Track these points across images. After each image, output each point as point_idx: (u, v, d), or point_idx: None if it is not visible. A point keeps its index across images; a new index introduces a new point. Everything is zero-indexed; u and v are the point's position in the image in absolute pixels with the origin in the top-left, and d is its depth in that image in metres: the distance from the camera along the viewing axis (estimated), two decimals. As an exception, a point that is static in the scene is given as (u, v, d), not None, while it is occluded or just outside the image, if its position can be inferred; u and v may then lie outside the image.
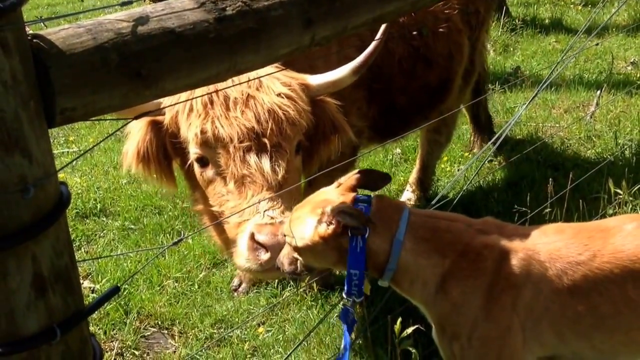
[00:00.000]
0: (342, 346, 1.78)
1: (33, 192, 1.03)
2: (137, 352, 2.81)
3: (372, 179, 1.74)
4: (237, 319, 2.95)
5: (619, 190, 3.01)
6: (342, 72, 2.32)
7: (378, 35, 2.27)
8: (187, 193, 3.52)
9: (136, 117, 1.41)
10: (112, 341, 2.85)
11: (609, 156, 3.90)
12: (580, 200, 3.02)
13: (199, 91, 1.95)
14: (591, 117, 4.47)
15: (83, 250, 3.50)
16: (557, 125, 4.49)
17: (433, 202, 2.59)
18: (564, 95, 4.94)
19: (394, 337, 2.26)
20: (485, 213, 3.45)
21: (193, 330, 2.90)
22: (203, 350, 2.76)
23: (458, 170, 4.04)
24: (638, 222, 1.66)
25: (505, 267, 1.62)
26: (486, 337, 1.62)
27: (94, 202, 3.89)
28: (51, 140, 1.11)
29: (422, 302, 1.72)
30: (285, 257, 1.80)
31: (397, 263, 1.65)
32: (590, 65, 5.44)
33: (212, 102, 2.16)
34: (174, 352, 2.81)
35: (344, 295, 1.70)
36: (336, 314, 2.89)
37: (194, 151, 2.23)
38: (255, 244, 2.05)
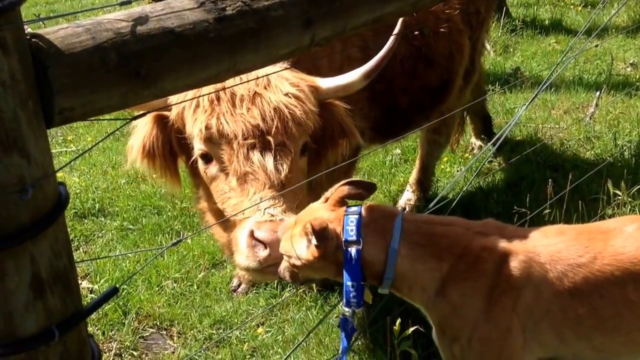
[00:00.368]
0: (340, 351, 1.78)
1: (31, 193, 1.03)
2: (135, 353, 2.80)
3: (358, 189, 1.73)
4: (236, 320, 2.94)
5: (618, 192, 3.01)
6: (352, 76, 2.30)
7: (389, 43, 2.23)
8: (187, 193, 3.53)
9: (135, 118, 1.40)
10: (110, 342, 2.85)
11: (608, 157, 3.90)
12: (580, 201, 3.02)
13: (206, 89, 1.94)
14: (590, 118, 4.47)
15: (81, 250, 3.49)
16: (557, 126, 4.49)
17: (432, 203, 2.59)
18: (564, 96, 4.94)
19: (393, 338, 2.26)
20: (484, 214, 3.45)
21: (192, 331, 2.89)
22: (202, 351, 2.75)
23: (458, 171, 4.04)
24: (639, 223, 1.66)
25: (505, 268, 1.62)
26: (486, 338, 1.62)
27: (92, 202, 3.89)
28: (49, 140, 1.11)
29: (422, 305, 1.72)
30: (286, 271, 1.81)
31: (395, 271, 1.65)
32: (590, 66, 5.44)
33: (218, 99, 2.16)
34: (173, 352, 2.80)
35: (343, 307, 1.70)
36: (335, 315, 2.88)
37: (198, 147, 2.23)
38: (254, 241, 2.04)
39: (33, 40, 1.04)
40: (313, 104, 2.25)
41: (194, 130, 2.19)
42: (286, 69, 2.21)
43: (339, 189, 1.73)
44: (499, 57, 5.76)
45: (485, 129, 4.38)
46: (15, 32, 0.99)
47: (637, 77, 5.18)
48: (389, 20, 1.73)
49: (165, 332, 2.92)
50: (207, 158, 2.24)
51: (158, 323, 2.95)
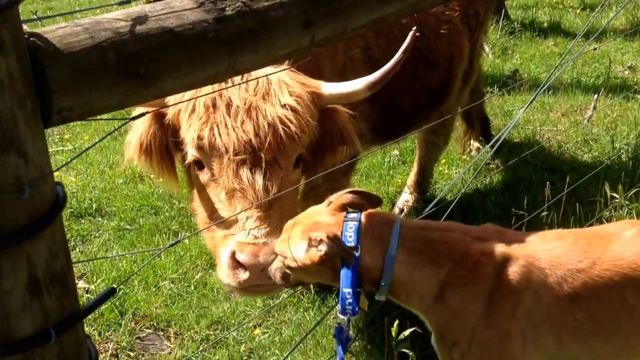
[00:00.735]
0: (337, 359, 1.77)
1: (28, 193, 1.02)
2: (132, 354, 2.79)
3: (363, 200, 1.73)
4: (233, 321, 2.94)
5: (615, 194, 3.01)
6: (357, 85, 2.25)
7: (397, 54, 2.19)
8: (184, 193, 3.52)
9: (134, 118, 1.40)
10: (106, 342, 2.84)
11: (605, 160, 3.91)
12: (577, 204, 3.02)
13: (205, 90, 1.92)
14: (588, 121, 4.48)
15: (78, 250, 3.48)
16: (555, 128, 4.49)
17: (431, 204, 2.58)
18: (562, 98, 4.94)
19: (391, 340, 2.26)
20: (482, 216, 3.45)
21: (189, 332, 2.88)
22: (199, 352, 2.75)
23: (456, 173, 4.04)
24: (637, 228, 1.66)
25: (505, 273, 1.62)
26: (486, 343, 1.62)
27: (89, 201, 3.87)
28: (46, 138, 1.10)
29: (420, 311, 1.72)
30: (277, 271, 1.79)
31: (392, 277, 1.64)
32: (588, 69, 5.45)
33: (214, 106, 2.13)
34: (170, 353, 2.79)
35: (339, 315, 1.70)
36: (333, 316, 2.88)
37: (191, 153, 2.22)
38: (235, 263, 2.04)
39: (31, 39, 1.03)
40: (312, 115, 2.21)
41: (187, 136, 2.18)
42: (288, 68, 2.19)
43: (343, 196, 1.72)
44: (498, 59, 5.77)
45: (483, 131, 4.38)
46: (13, 31, 0.98)
47: (635, 80, 5.19)
48: (389, 21, 1.73)
49: (162, 333, 2.91)
50: (199, 164, 2.22)
51: (155, 323, 2.94)
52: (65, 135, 4.80)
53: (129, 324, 2.91)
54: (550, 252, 1.65)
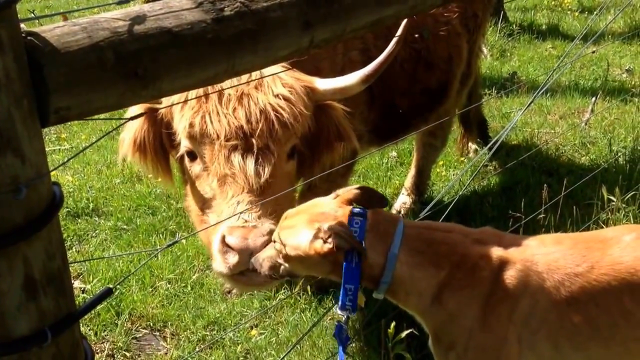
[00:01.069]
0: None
1: (25, 193, 1.01)
2: (128, 354, 2.79)
3: (370, 198, 1.72)
4: (230, 322, 2.93)
5: (612, 197, 3.02)
6: (351, 79, 2.25)
7: (388, 48, 2.20)
8: (182, 193, 3.51)
9: (133, 118, 1.39)
10: (102, 342, 2.83)
11: (602, 163, 3.91)
12: (574, 207, 3.02)
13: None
14: (586, 124, 4.48)
15: (75, 250, 3.47)
16: (552, 131, 4.50)
17: (428, 206, 2.58)
18: (560, 101, 4.95)
19: (387, 341, 2.26)
20: (479, 218, 3.45)
21: (185, 332, 2.88)
22: (195, 353, 2.74)
23: (453, 175, 4.04)
24: (637, 232, 1.66)
25: (502, 277, 1.61)
26: (482, 347, 1.61)
27: (86, 201, 3.86)
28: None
29: (418, 312, 1.71)
30: (266, 260, 1.75)
31: (392, 276, 1.64)
32: (586, 72, 5.46)
33: (206, 96, 2.13)
34: (166, 354, 2.78)
35: (338, 311, 1.69)
36: (330, 318, 2.87)
37: (184, 144, 2.22)
38: (225, 247, 2.01)
39: (28, 38, 1.02)
40: (305, 105, 2.20)
41: (180, 126, 2.17)
42: (286, 69, 2.19)
43: (351, 191, 1.71)
44: (496, 61, 5.77)
45: (481, 133, 4.38)
46: (10, 30, 0.98)
47: (633, 83, 5.20)
48: (388, 23, 1.72)
49: (158, 333, 2.91)
50: (192, 156, 2.22)
51: (151, 324, 2.94)
52: (63, 135, 4.79)
53: (125, 324, 2.90)
54: (548, 256, 1.64)
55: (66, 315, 1.14)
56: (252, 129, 2.10)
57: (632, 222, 3.02)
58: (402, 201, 3.76)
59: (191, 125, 2.13)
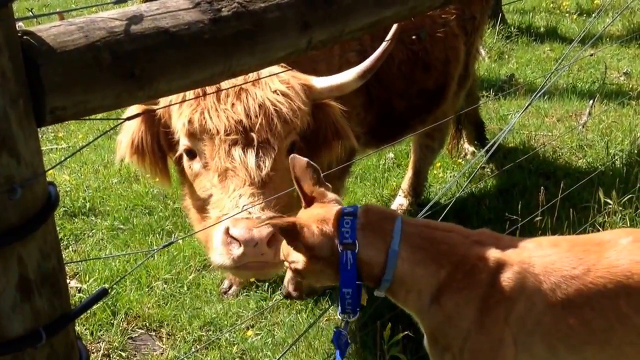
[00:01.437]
0: None
1: (20, 193, 1.01)
2: (124, 354, 2.78)
3: (303, 173, 1.71)
4: (226, 322, 2.93)
5: (608, 200, 3.02)
6: (347, 76, 2.26)
7: (385, 41, 2.21)
8: (179, 193, 3.51)
9: (130, 118, 1.39)
10: (98, 342, 2.82)
11: (599, 166, 3.92)
12: (571, 209, 3.02)
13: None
14: (583, 127, 4.49)
15: (71, 249, 3.46)
16: (550, 134, 4.50)
17: (425, 208, 2.58)
18: (557, 104, 4.96)
19: (383, 343, 2.26)
20: (476, 220, 3.45)
21: (181, 333, 2.87)
22: (191, 353, 2.74)
23: (450, 176, 4.05)
24: (633, 236, 1.66)
25: (499, 279, 1.61)
26: (478, 349, 1.61)
27: (82, 200, 3.86)
28: (40, 136, 1.09)
29: (415, 311, 1.71)
30: (290, 283, 1.78)
31: (394, 273, 1.63)
32: (584, 75, 5.47)
33: (204, 93, 2.13)
34: (162, 354, 2.78)
35: (339, 315, 1.68)
36: (326, 319, 2.87)
37: (182, 142, 2.21)
38: (229, 238, 2.00)
39: (24, 37, 1.02)
40: (303, 101, 2.20)
41: (178, 124, 2.17)
42: (283, 68, 2.19)
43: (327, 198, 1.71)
44: (494, 63, 5.78)
45: (478, 135, 4.39)
46: (6, 29, 0.97)
47: (630, 86, 5.21)
48: (387, 25, 1.72)
49: (154, 333, 2.90)
50: (191, 154, 2.21)
51: (147, 324, 2.93)
52: (60, 134, 4.78)
53: (121, 324, 2.90)
54: (544, 258, 1.64)
55: (61, 316, 1.14)
56: (251, 123, 2.11)
57: (628, 225, 3.02)
58: (399, 203, 3.76)
59: (190, 122, 2.13)
